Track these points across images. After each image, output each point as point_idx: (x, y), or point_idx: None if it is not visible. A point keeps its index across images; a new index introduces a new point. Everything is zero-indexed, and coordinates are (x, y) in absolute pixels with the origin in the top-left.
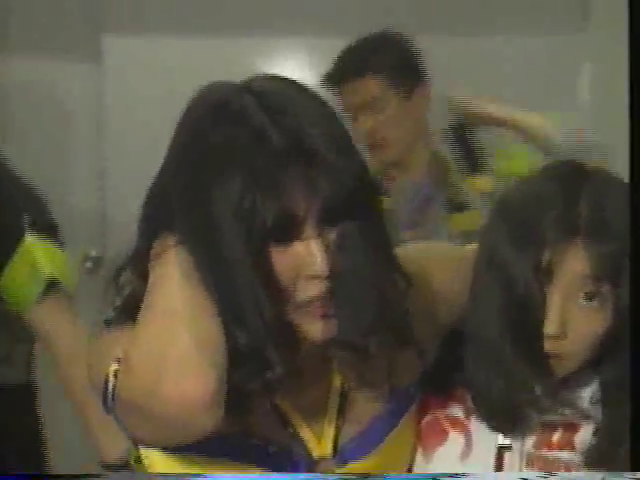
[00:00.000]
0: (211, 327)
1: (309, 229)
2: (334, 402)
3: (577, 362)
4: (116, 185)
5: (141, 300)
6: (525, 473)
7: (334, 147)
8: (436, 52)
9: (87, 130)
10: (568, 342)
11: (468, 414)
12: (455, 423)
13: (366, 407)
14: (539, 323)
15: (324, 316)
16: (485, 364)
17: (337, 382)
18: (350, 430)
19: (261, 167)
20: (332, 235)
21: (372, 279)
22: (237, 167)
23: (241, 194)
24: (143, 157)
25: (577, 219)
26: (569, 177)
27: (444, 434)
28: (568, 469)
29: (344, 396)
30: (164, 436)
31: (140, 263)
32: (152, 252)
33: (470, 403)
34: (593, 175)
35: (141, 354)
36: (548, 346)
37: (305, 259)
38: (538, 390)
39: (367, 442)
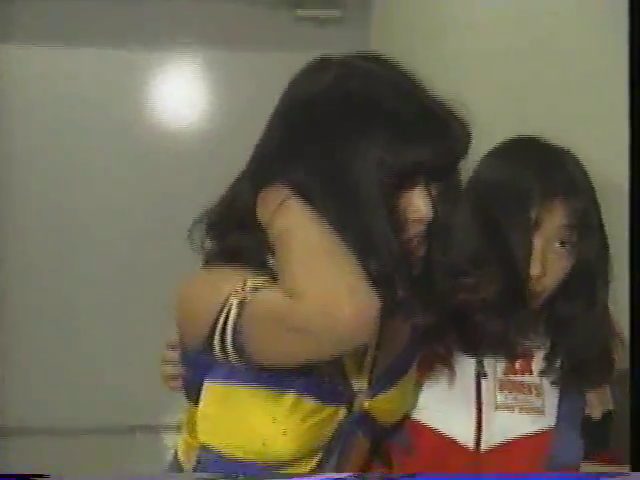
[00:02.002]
0: (351, 259)
1: (421, 180)
2: (374, 343)
3: (544, 298)
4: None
5: (240, 244)
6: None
7: (453, 116)
8: None
9: None
10: (545, 280)
11: (450, 350)
12: (439, 358)
13: (393, 348)
14: (526, 266)
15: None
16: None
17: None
18: (381, 367)
19: (405, 124)
20: (435, 187)
21: (469, 224)
22: (383, 123)
23: (387, 146)
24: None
25: (557, 183)
26: (543, 150)
27: (432, 367)
28: (529, 390)
29: (381, 338)
30: (307, 352)
31: (239, 213)
32: (264, 202)
33: (451, 340)
34: (557, 148)
35: (311, 283)
36: (530, 284)
37: (414, 205)
38: (515, 321)
39: (393, 375)
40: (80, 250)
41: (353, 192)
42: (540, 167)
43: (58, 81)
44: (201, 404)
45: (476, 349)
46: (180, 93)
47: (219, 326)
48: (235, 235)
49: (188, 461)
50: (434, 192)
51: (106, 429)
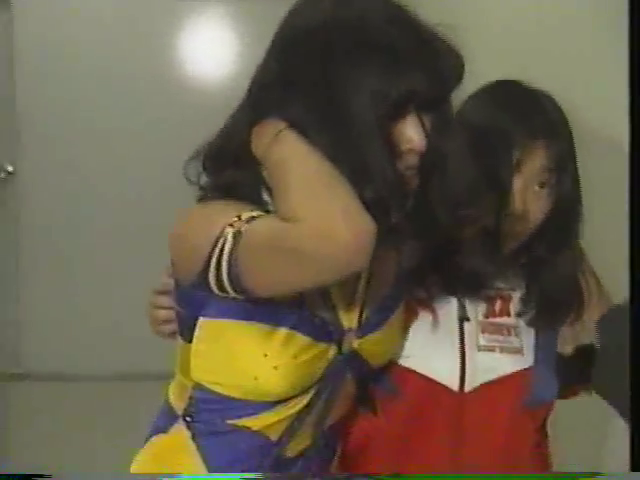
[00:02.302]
0: (348, 185)
1: (413, 110)
2: (363, 281)
3: (522, 240)
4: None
5: (235, 178)
6: None
7: (446, 45)
8: None
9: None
10: (523, 221)
11: (431, 294)
12: (422, 304)
13: (381, 287)
14: (507, 205)
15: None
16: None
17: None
18: (370, 306)
19: (399, 52)
20: (429, 118)
21: (466, 154)
22: (377, 52)
23: (381, 75)
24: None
25: (538, 126)
26: (524, 93)
27: (415, 313)
28: (509, 332)
29: (370, 276)
30: (304, 278)
31: (234, 147)
32: (259, 136)
33: (432, 282)
34: (539, 92)
35: (309, 209)
36: (510, 225)
37: (406, 134)
38: (494, 261)
39: (381, 316)
40: (98, 206)
41: (348, 123)
42: (521, 110)
43: (79, 23)
44: (194, 341)
45: (456, 291)
46: (208, 44)
47: (214, 259)
48: (230, 170)
49: (181, 401)
50: (427, 123)
51: (122, 375)
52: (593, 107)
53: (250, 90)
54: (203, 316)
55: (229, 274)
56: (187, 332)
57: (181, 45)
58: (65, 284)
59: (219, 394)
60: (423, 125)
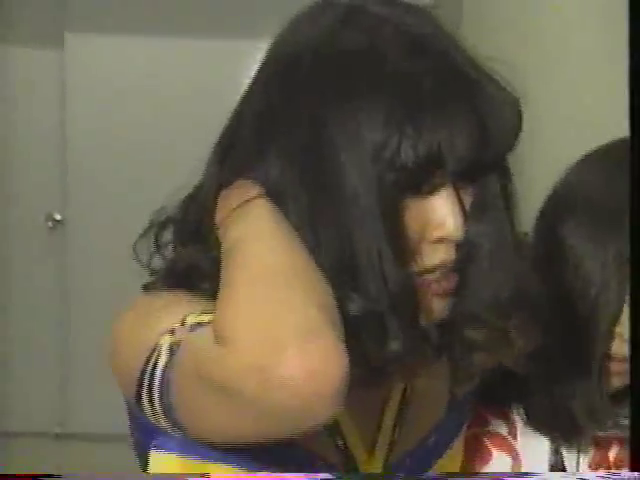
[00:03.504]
0: (323, 289)
1: (447, 180)
2: (392, 410)
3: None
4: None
5: (191, 262)
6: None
7: (488, 77)
8: None
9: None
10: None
11: (513, 431)
12: (498, 441)
13: (426, 418)
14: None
15: (445, 293)
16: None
17: (398, 386)
18: (407, 444)
19: (422, 94)
20: (469, 193)
21: (513, 249)
22: (382, 96)
23: (391, 125)
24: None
25: None
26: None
27: (488, 454)
28: None
29: (404, 404)
30: (253, 430)
31: (196, 215)
32: (224, 203)
33: (515, 418)
34: None
35: (247, 324)
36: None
37: (436, 216)
38: (596, 401)
39: (425, 458)
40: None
41: (337, 192)
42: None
43: (133, 74)
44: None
45: (550, 428)
46: None
47: (146, 379)
48: (188, 248)
49: None
50: (468, 199)
51: None
52: (593, 107)
53: (221, 140)
54: (156, 448)
55: (161, 401)
56: (142, 460)
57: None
58: None
59: None
60: (461, 203)
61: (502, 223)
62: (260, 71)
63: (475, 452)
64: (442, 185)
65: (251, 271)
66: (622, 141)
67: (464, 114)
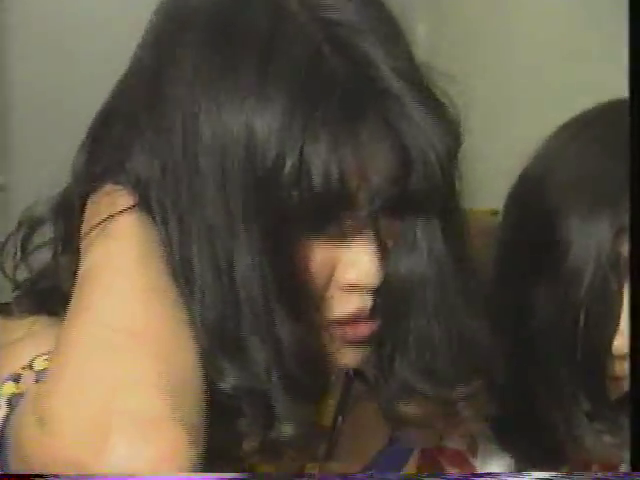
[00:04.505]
0: (185, 358)
1: (361, 213)
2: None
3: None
4: None
5: (55, 282)
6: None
7: (413, 88)
8: None
9: None
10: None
11: (473, 448)
12: (455, 459)
13: (364, 448)
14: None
15: (360, 341)
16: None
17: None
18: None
19: (333, 100)
20: (394, 229)
21: (457, 294)
22: (280, 96)
23: (281, 142)
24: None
25: None
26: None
27: (439, 471)
28: None
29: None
30: None
31: (68, 220)
32: (91, 213)
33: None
34: None
35: (72, 411)
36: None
37: (346, 258)
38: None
39: None
40: None
41: (215, 226)
42: None
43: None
44: None
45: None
46: None
47: None
48: (57, 261)
49: None
50: (392, 235)
51: None
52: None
53: (91, 131)
54: None
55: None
56: None
57: None
58: None
59: None
60: (381, 242)
61: (441, 263)
62: (142, 42)
63: (424, 470)
64: (354, 217)
65: (93, 329)
66: (594, 110)
67: (376, 133)
